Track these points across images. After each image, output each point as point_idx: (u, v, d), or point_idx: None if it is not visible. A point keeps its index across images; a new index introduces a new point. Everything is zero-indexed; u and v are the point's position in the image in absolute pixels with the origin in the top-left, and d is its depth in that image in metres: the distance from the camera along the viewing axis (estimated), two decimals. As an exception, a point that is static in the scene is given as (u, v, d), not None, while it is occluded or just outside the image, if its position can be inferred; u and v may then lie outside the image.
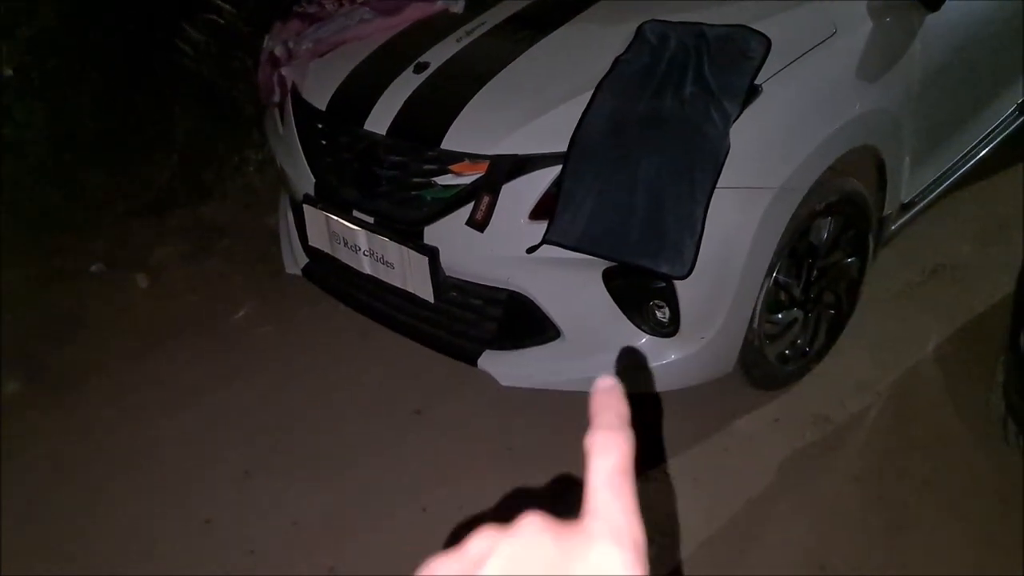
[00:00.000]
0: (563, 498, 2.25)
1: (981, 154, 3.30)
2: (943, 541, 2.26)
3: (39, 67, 3.93)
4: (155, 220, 3.94)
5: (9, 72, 3.83)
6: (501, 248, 2.32)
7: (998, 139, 3.37)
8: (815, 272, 2.65)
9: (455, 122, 2.40)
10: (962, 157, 3.22)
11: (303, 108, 2.78)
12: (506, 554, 0.37)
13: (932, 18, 2.63)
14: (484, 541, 0.38)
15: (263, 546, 2.36)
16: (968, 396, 2.70)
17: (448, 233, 2.39)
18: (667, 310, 2.31)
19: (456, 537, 0.38)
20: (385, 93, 2.57)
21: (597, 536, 0.38)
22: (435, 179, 2.43)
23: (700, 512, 2.38)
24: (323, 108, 2.70)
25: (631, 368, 2.38)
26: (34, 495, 2.56)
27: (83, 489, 2.57)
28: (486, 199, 2.31)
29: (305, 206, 2.71)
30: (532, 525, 0.38)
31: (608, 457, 0.41)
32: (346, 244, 2.62)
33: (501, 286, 2.40)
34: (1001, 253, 3.26)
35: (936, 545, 2.25)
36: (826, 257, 2.67)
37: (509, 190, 2.30)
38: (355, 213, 2.57)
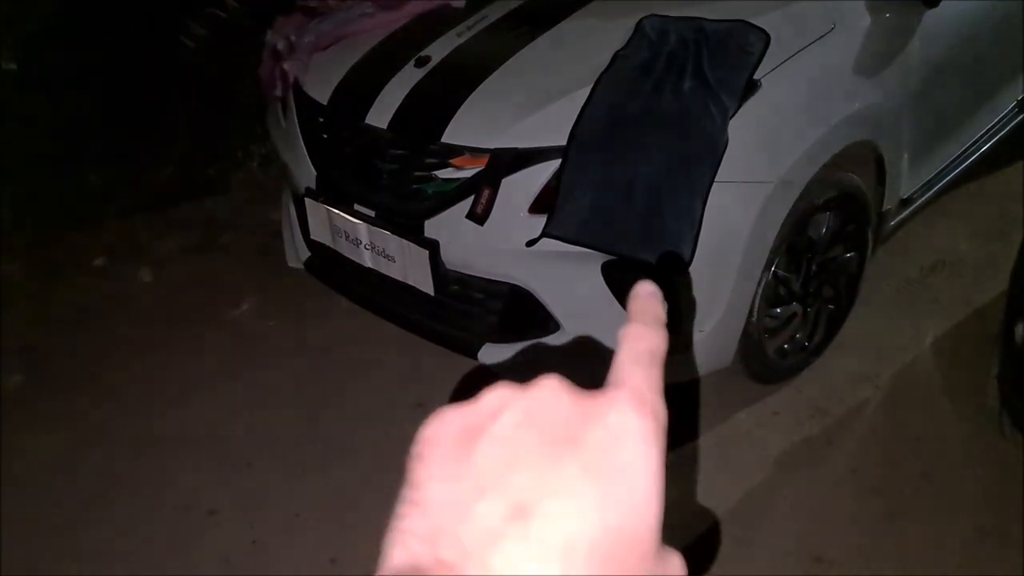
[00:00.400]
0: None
1: (980, 151, 3.31)
2: (939, 533, 2.27)
3: (42, 61, 3.94)
4: (158, 214, 3.96)
5: (12, 66, 3.85)
6: (501, 241, 2.34)
7: (997, 136, 3.38)
8: (814, 267, 2.66)
9: (456, 116, 2.41)
10: (961, 153, 3.23)
11: (305, 102, 2.80)
12: (521, 407, 0.36)
13: (931, 14, 2.63)
14: (499, 396, 0.37)
15: (265, 537, 2.37)
16: (965, 390, 2.72)
17: (449, 226, 2.40)
18: (665, 304, 2.31)
19: (466, 389, 0.37)
20: (386, 87, 2.58)
21: (618, 401, 0.36)
22: (436, 173, 2.45)
23: (699, 502, 2.39)
24: (325, 102, 2.71)
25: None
26: (36, 487, 2.58)
27: (86, 480, 2.59)
28: (486, 192, 2.32)
29: (307, 200, 2.72)
30: (551, 385, 0.37)
31: (640, 342, 0.40)
32: (347, 237, 2.64)
33: (501, 279, 2.42)
34: (999, 249, 3.26)
35: (932, 537, 2.26)
36: (825, 252, 2.68)
37: (509, 184, 2.31)
38: (356, 207, 2.59)
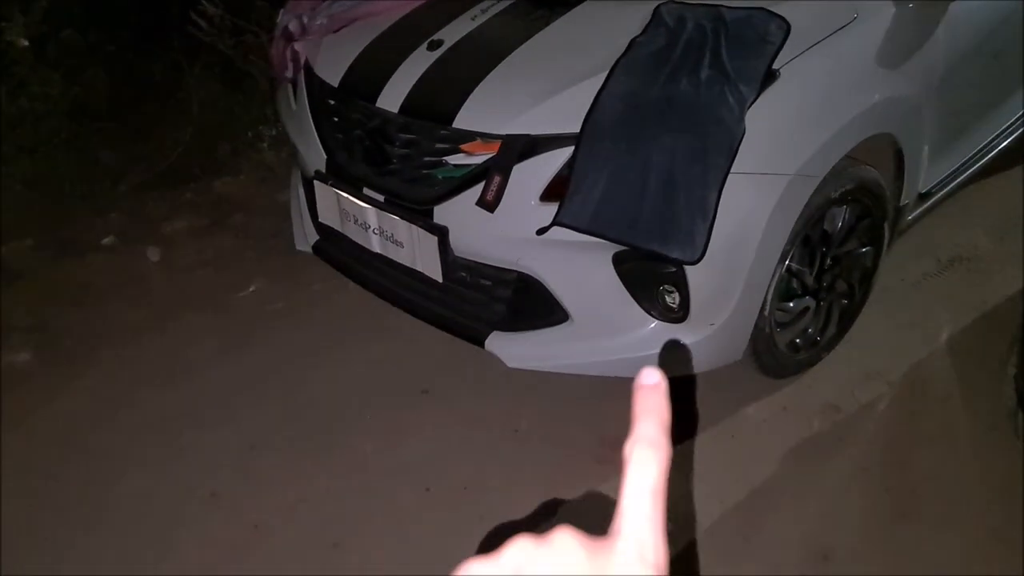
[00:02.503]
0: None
1: (1001, 146, 3.26)
2: (948, 533, 2.24)
3: (55, 39, 3.93)
4: (168, 194, 3.95)
5: (25, 43, 3.83)
6: (511, 229, 2.31)
7: (1019, 131, 3.32)
8: (828, 260, 2.62)
9: (468, 101, 2.38)
10: (982, 148, 3.18)
11: (316, 84, 2.77)
12: (543, 566, 0.39)
13: (956, 6, 2.58)
14: (521, 552, 0.40)
15: (268, 520, 2.36)
16: (979, 389, 2.68)
17: (458, 213, 2.37)
18: (677, 295, 2.29)
19: (491, 542, 0.40)
20: (398, 70, 2.55)
21: (624, 557, 0.40)
22: (446, 158, 2.42)
23: (706, 497, 2.37)
24: (336, 84, 2.68)
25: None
26: (42, 464, 2.58)
27: (91, 459, 2.58)
28: (497, 179, 2.29)
29: (316, 182, 2.70)
30: (566, 540, 0.40)
31: (645, 474, 0.42)
32: (356, 222, 2.61)
33: (510, 267, 2.39)
34: (1017, 247, 3.22)
35: (941, 537, 2.23)
36: (840, 246, 2.64)
37: (520, 171, 2.28)
38: (365, 191, 2.56)
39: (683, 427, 2.57)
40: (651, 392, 0.45)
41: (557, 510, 2.29)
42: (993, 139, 3.22)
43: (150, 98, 4.09)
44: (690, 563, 2.17)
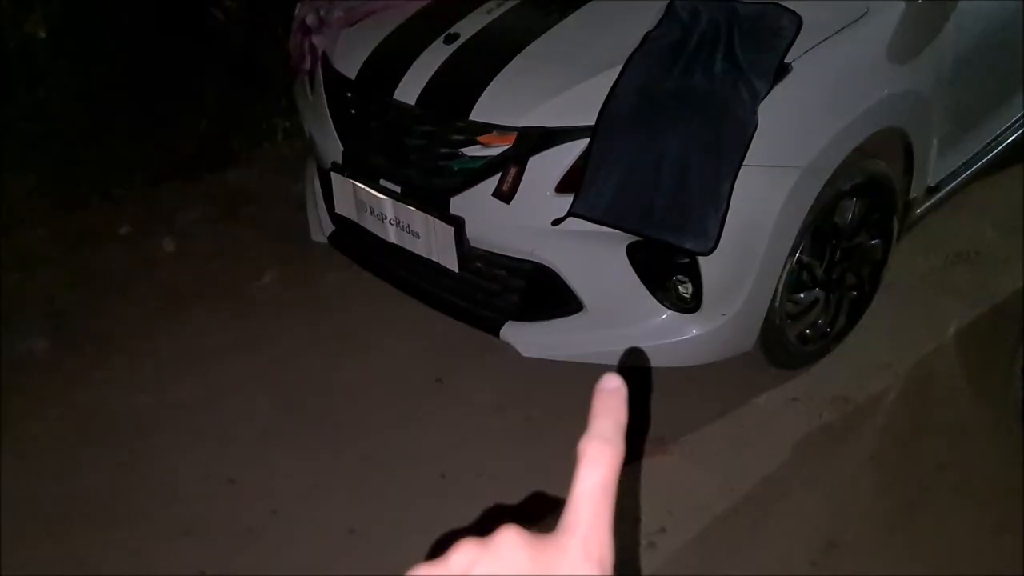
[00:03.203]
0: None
1: (1009, 140, 3.28)
2: (955, 525, 2.27)
3: (72, 30, 3.96)
4: (183, 184, 3.97)
5: (43, 34, 3.86)
6: (527, 220, 2.34)
7: (1028, 125, 3.35)
8: (838, 253, 2.65)
9: (484, 93, 2.41)
10: (991, 143, 3.20)
11: (333, 76, 2.80)
12: (487, 567, 0.40)
13: (966, 1, 2.61)
14: (465, 554, 0.40)
15: (285, 506, 2.40)
16: (986, 382, 2.71)
17: (474, 204, 2.41)
18: (690, 286, 2.32)
19: (437, 548, 0.41)
20: (415, 63, 2.58)
21: (569, 553, 0.40)
22: (463, 150, 2.45)
23: (715, 486, 2.40)
24: (353, 77, 2.71)
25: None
26: (59, 451, 2.61)
27: (107, 446, 2.61)
28: (513, 171, 2.33)
29: (333, 174, 2.74)
30: (510, 540, 0.40)
31: (596, 471, 0.42)
32: (372, 212, 2.65)
33: (525, 258, 2.42)
34: (1025, 241, 3.25)
35: (948, 529, 2.26)
36: (850, 239, 2.67)
37: (536, 162, 2.31)
38: (382, 182, 2.60)
39: (693, 416, 2.61)
40: (611, 395, 0.45)
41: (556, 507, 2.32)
42: (1001, 133, 3.24)
43: (165, 90, 4.11)
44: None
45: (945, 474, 2.42)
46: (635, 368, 2.42)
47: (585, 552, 0.41)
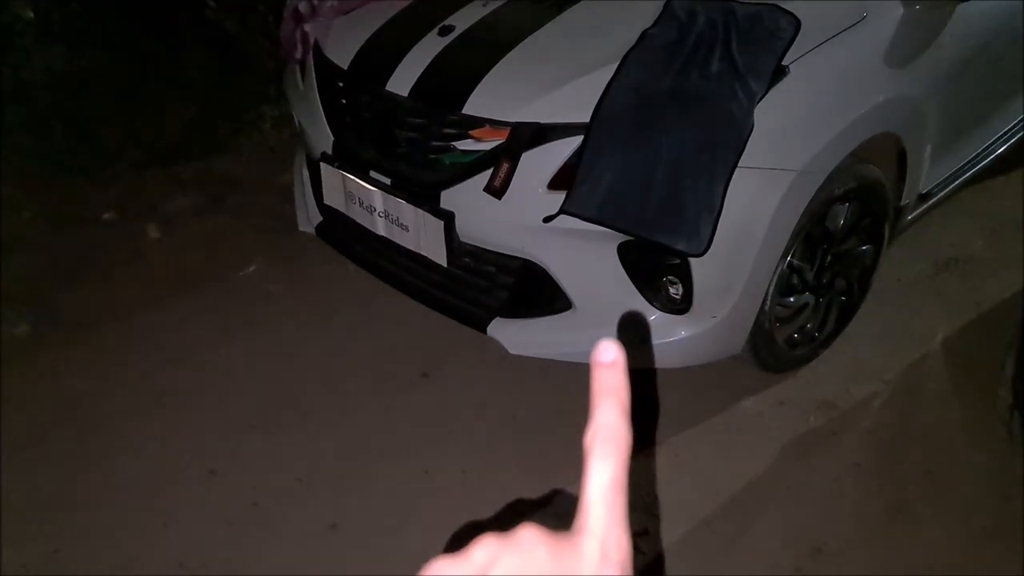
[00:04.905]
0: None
1: (1001, 150, 3.29)
2: (940, 531, 2.27)
3: (60, 11, 3.91)
4: (168, 171, 3.93)
5: (30, 15, 3.81)
6: (518, 216, 2.32)
7: (1019, 135, 3.35)
8: (829, 258, 2.64)
9: (478, 87, 2.39)
10: (983, 151, 3.21)
11: (325, 66, 2.77)
12: (508, 565, 0.39)
13: (964, 7, 2.60)
14: (486, 550, 0.40)
15: (266, 499, 2.37)
16: (974, 389, 2.71)
17: (465, 198, 2.38)
18: (680, 287, 2.31)
19: (458, 540, 0.41)
20: (409, 54, 2.55)
21: (587, 555, 0.40)
22: (455, 143, 2.43)
23: (701, 489, 2.40)
24: (345, 67, 2.68)
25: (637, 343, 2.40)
26: (39, 438, 2.57)
27: (88, 434, 2.58)
28: (505, 166, 2.30)
29: (322, 164, 2.70)
30: (531, 539, 0.40)
31: (605, 467, 0.41)
32: (361, 204, 2.62)
33: (515, 254, 2.40)
34: (1014, 250, 3.26)
35: (933, 534, 2.26)
36: (841, 243, 2.66)
37: (529, 158, 2.29)
38: (372, 174, 2.57)
39: (679, 418, 2.60)
40: (609, 370, 0.43)
41: (552, 499, 2.31)
42: (994, 142, 3.25)
43: (153, 75, 4.07)
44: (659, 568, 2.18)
45: (931, 480, 2.43)
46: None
47: (603, 555, 0.40)
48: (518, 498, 2.28)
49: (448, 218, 2.41)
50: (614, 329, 2.40)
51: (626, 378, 0.43)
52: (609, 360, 0.43)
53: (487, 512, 2.28)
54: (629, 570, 0.41)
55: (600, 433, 0.42)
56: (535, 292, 2.45)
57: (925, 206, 3.01)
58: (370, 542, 2.24)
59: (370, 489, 2.39)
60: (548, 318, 2.47)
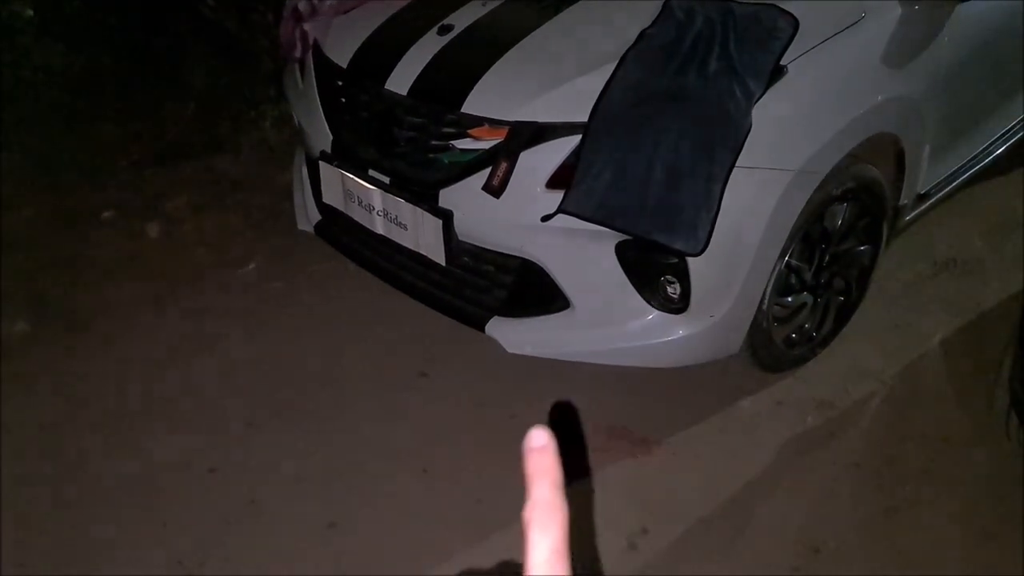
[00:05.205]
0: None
1: (1000, 150, 3.29)
2: (938, 530, 2.27)
3: (60, 9, 3.91)
4: (168, 170, 3.94)
5: (29, 12, 3.81)
6: (516, 215, 2.32)
7: (1018, 135, 3.35)
8: (827, 257, 2.64)
9: (477, 86, 2.39)
10: (982, 151, 3.20)
11: (324, 64, 2.77)
12: None
13: (963, 8, 2.60)
14: None
15: (264, 497, 2.37)
16: (971, 389, 2.71)
17: (464, 197, 2.39)
18: (678, 286, 2.31)
19: None
20: (408, 53, 2.56)
21: None
22: (453, 142, 2.43)
23: (698, 489, 2.40)
24: (344, 66, 2.68)
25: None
26: (37, 435, 2.57)
27: (84, 433, 2.58)
28: (504, 165, 2.30)
29: (321, 163, 2.70)
30: None
31: (546, 537, 0.43)
32: (360, 203, 2.62)
33: (513, 253, 2.40)
34: (1012, 250, 3.26)
35: (931, 534, 2.26)
36: (839, 243, 2.66)
37: (527, 157, 2.29)
38: (371, 172, 2.57)
39: (677, 419, 2.60)
40: (541, 455, 0.45)
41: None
42: (993, 142, 3.25)
43: (152, 74, 4.07)
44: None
45: (929, 481, 2.42)
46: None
47: None
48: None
49: (447, 217, 2.41)
50: (612, 329, 2.40)
51: (557, 461, 0.45)
52: (540, 445, 0.45)
53: (486, 512, 2.28)
54: None
55: (538, 508, 0.44)
56: (533, 291, 2.45)
57: (924, 206, 3.01)
58: (368, 541, 2.24)
59: (369, 488, 2.39)
60: (546, 317, 2.47)
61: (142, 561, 2.20)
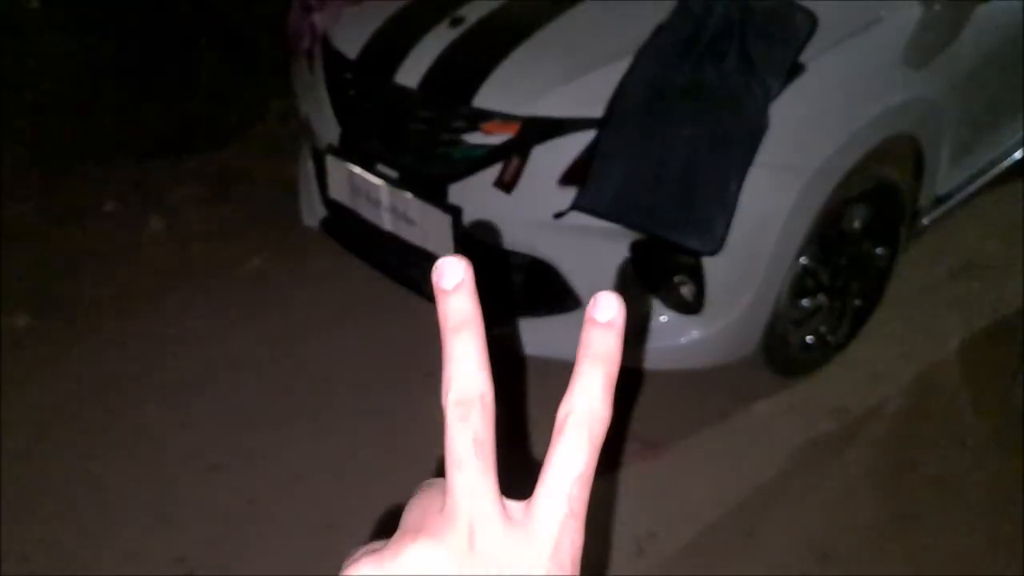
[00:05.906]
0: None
1: (1021, 153, 3.23)
2: (951, 539, 2.23)
3: (65, 2, 3.88)
4: (172, 162, 3.90)
5: (36, 4, 3.78)
6: (528, 212, 2.28)
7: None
8: (844, 260, 2.59)
9: (488, 80, 2.35)
10: (1001, 154, 3.16)
11: (333, 56, 2.73)
12: (442, 563, 0.35)
13: (983, 9, 2.56)
14: (417, 549, 0.36)
15: (264, 496, 2.34)
16: (987, 395, 2.67)
17: (474, 193, 2.34)
18: (693, 287, 2.26)
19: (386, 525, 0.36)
20: (418, 46, 2.51)
21: (536, 556, 0.35)
22: (464, 137, 2.38)
23: (710, 492, 2.36)
24: (354, 58, 2.64)
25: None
26: (38, 429, 2.55)
27: (87, 427, 2.55)
28: (515, 161, 2.26)
29: (328, 156, 2.66)
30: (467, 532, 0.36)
31: (576, 458, 0.35)
32: (367, 198, 2.57)
33: (524, 251, 2.36)
34: (1030, 255, 3.21)
35: (943, 542, 2.22)
36: (856, 245, 2.61)
37: (540, 153, 2.25)
38: (379, 167, 2.52)
39: (690, 420, 2.55)
40: (604, 332, 0.36)
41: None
42: (1014, 145, 3.19)
43: (157, 65, 4.03)
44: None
45: (941, 487, 2.38)
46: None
47: (554, 555, 0.34)
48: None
49: (456, 213, 2.36)
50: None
51: (621, 345, 0.36)
52: (606, 319, 0.36)
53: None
54: (577, 570, 0.36)
55: (576, 414, 0.36)
56: (543, 291, 2.40)
57: (942, 209, 2.96)
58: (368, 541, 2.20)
59: (369, 488, 2.35)
60: (556, 317, 2.42)
61: (142, 557, 2.18)
